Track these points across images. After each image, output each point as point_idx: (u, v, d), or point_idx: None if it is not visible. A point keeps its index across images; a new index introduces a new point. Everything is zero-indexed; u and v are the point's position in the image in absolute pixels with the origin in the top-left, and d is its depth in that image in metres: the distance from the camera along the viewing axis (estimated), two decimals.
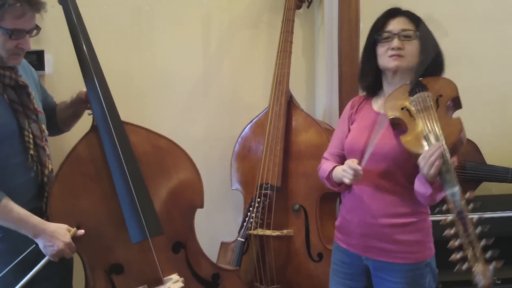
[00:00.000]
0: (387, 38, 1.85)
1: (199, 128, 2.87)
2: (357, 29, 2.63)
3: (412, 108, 1.76)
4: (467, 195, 1.55)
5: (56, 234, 1.86)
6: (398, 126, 1.79)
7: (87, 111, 2.11)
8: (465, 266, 1.48)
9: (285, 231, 2.59)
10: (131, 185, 1.97)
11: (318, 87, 2.99)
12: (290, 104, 2.68)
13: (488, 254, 1.47)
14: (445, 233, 1.55)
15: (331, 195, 2.60)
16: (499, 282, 2.85)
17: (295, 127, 2.66)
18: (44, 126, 2.00)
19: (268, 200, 2.59)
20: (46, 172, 1.95)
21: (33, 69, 2.12)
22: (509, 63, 3.05)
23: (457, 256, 1.50)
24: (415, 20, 1.87)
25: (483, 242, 1.50)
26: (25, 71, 2.03)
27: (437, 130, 1.68)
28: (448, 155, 1.62)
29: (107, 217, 1.99)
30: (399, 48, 1.83)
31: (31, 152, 1.90)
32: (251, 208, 2.57)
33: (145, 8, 2.76)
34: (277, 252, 2.58)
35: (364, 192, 1.89)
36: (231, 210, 2.91)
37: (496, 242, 2.90)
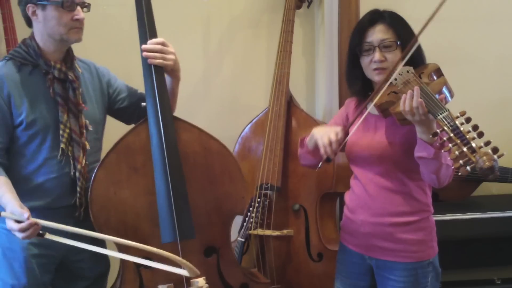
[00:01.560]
0: (368, 50, 1.83)
1: None
2: None
3: (397, 88, 1.76)
4: (458, 113, 1.54)
5: (17, 212, 1.76)
6: (388, 112, 1.77)
7: (142, 103, 2.08)
8: (470, 166, 1.45)
9: (285, 231, 2.59)
10: (170, 184, 1.93)
11: (318, 87, 2.99)
12: (290, 104, 2.68)
13: (489, 150, 1.45)
14: (443, 149, 1.54)
15: (331, 195, 2.60)
16: (499, 282, 2.85)
17: (295, 127, 2.66)
18: (87, 122, 2.00)
19: (268, 200, 2.59)
20: (79, 167, 1.95)
21: (103, 70, 2.14)
22: (509, 63, 3.05)
23: (459, 162, 1.46)
24: (394, 25, 1.83)
25: (483, 139, 1.48)
26: (90, 71, 2.07)
27: (421, 84, 1.69)
28: (430, 90, 1.64)
29: (145, 211, 1.98)
30: (381, 61, 1.81)
31: (62, 146, 1.91)
32: (251, 208, 2.57)
33: None
34: (277, 252, 2.58)
35: (366, 192, 1.89)
36: None
37: (496, 242, 2.91)
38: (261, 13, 2.91)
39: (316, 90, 3.00)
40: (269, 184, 2.57)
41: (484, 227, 2.69)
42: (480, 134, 1.47)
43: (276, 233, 2.58)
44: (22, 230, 1.70)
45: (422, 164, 1.74)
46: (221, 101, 2.91)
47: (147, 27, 2.02)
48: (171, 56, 2.00)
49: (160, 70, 2.01)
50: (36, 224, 1.71)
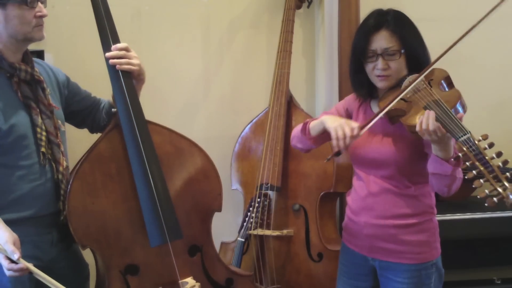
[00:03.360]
0: (371, 57, 1.81)
1: (199, 128, 2.87)
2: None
3: (406, 95, 1.74)
4: (480, 136, 1.52)
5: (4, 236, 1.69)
6: (397, 118, 1.76)
7: (112, 109, 2.05)
8: (497, 198, 1.43)
9: (285, 231, 2.59)
10: (153, 187, 1.91)
11: (318, 87, 2.99)
12: (290, 104, 2.68)
13: None
14: (467, 176, 1.50)
15: (331, 195, 2.60)
16: (499, 282, 2.85)
17: (295, 127, 2.65)
18: (60, 122, 1.95)
19: (268, 200, 2.59)
20: (61, 169, 1.90)
21: (57, 70, 2.08)
22: (509, 64, 3.05)
23: (485, 192, 1.44)
24: (397, 31, 1.79)
25: (508, 174, 1.45)
26: (45, 71, 1.99)
27: (436, 97, 1.67)
28: (448, 108, 1.61)
29: (125, 218, 1.95)
30: (384, 69, 1.79)
31: (43, 149, 1.84)
32: (251, 208, 2.57)
33: (145, 8, 2.76)
34: (277, 252, 2.58)
35: (369, 194, 1.88)
36: (231, 210, 2.90)
37: (496, 242, 2.90)
38: (261, 13, 2.90)
39: (316, 90, 3.00)
40: (269, 184, 2.57)
41: (484, 227, 2.69)
42: (505, 162, 1.45)
43: (276, 233, 2.58)
44: (12, 270, 1.62)
45: (435, 179, 1.72)
46: (221, 101, 2.90)
47: (109, 32, 1.97)
48: (136, 61, 1.97)
49: (127, 74, 1.97)
50: (26, 268, 1.63)
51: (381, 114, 1.74)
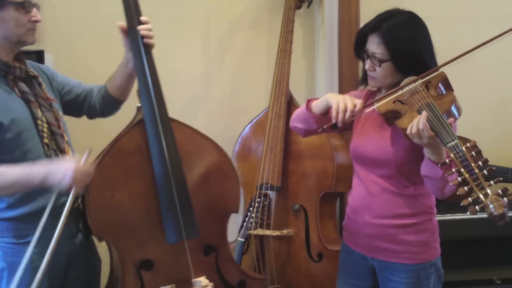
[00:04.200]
0: (365, 54, 1.83)
1: (199, 128, 2.83)
2: (357, 29, 2.62)
3: (403, 97, 1.75)
4: (468, 144, 1.51)
5: (63, 162, 1.80)
6: (393, 120, 1.76)
7: (137, 104, 2.05)
8: (478, 206, 1.42)
9: (285, 231, 2.59)
10: (173, 185, 1.92)
11: (318, 87, 2.99)
12: (290, 104, 2.68)
13: (498, 191, 1.41)
14: (451, 182, 1.51)
15: (331, 195, 2.60)
16: (499, 282, 2.85)
17: None
18: (60, 114, 1.96)
19: (268, 200, 2.59)
20: (68, 158, 1.90)
21: (44, 66, 2.09)
22: (509, 64, 3.05)
23: (468, 200, 1.44)
24: (386, 42, 1.76)
25: (492, 182, 1.45)
26: (34, 69, 2.00)
27: (430, 101, 1.67)
28: (439, 111, 1.61)
29: (143, 213, 1.96)
30: (370, 70, 1.82)
31: (46, 140, 1.86)
32: (251, 208, 2.57)
33: (145, 8, 2.74)
34: (277, 252, 2.58)
35: (369, 193, 1.88)
36: None
37: (496, 242, 2.90)
38: (261, 13, 2.90)
39: (316, 90, 3.00)
40: (269, 184, 2.57)
41: (484, 227, 2.68)
42: (490, 171, 1.45)
43: (276, 233, 2.58)
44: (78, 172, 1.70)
45: (427, 181, 1.73)
46: (221, 101, 2.90)
47: (132, 4, 1.98)
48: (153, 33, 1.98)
49: (150, 51, 1.98)
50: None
51: (383, 101, 1.75)
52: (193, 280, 1.98)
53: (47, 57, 2.57)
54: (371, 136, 1.87)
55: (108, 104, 2.13)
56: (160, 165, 1.94)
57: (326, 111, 1.80)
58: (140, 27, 1.97)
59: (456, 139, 1.54)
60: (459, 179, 1.47)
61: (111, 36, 2.69)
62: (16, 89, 1.85)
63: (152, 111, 1.96)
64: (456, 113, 1.71)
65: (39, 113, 1.86)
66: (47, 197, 1.84)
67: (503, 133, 2.98)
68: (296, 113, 1.97)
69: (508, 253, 2.81)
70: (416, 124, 1.60)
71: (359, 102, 1.71)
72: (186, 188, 1.98)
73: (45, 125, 1.87)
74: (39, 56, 2.54)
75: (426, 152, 1.67)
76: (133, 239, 1.95)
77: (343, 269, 2.03)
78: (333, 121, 1.71)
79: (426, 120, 1.60)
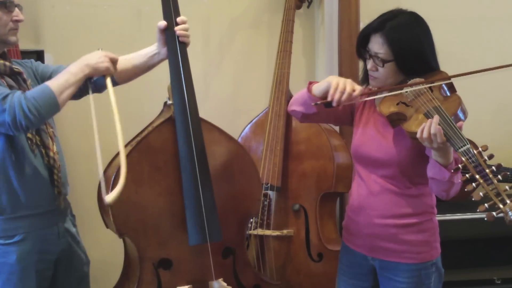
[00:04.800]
0: (367, 53, 1.82)
1: None
2: (357, 29, 2.63)
3: (408, 99, 1.74)
4: (480, 148, 1.50)
5: (94, 53, 1.86)
6: (397, 122, 1.76)
7: (167, 101, 2.05)
8: (496, 213, 1.42)
9: (285, 231, 2.59)
10: (200, 186, 1.91)
11: None
12: None
13: None
14: (466, 188, 1.49)
15: (331, 195, 2.60)
16: (499, 282, 2.85)
17: (295, 127, 2.66)
18: None
19: (268, 200, 2.59)
20: (51, 154, 1.89)
21: (25, 61, 2.06)
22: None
23: (485, 206, 1.44)
24: (390, 43, 1.75)
25: (507, 186, 1.44)
26: (18, 64, 1.98)
27: (436, 104, 1.66)
28: (448, 116, 1.59)
29: (167, 211, 1.96)
30: (372, 70, 1.81)
31: (29, 135, 1.84)
32: None
33: (146, 9, 2.76)
34: (277, 252, 2.58)
35: (369, 193, 1.88)
36: None
37: (496, 242, 2.90)
38: (261, 13, 2.91)
39: None
40: (269, 184, 2.57)
41: (484, 227, 2.68)
42: (505, 176, 1.45)
43: (276, 233, 2.58)
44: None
45: (433, 183, 1.72)
46: (221, 101, 2.91)
47: (171, 4, 1.98)
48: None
49: (184, 50, 2.00)
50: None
51: (384, 94, 1.75)
52: (210, 282, 1.98)
53: (47, 57, 2.57)
54: (373, 137, 1.87)
55: (103, 87, 2.09)
56: (187, 165, 1.92)
57: (327, 94, 1.77)
58: (178, 27, 1.99)
59: (467, 144, 1.53)
60: (473, 184, 1.46)
61: (112, 36, 2.70)
62: (4, 81, 1.83)
63: (184, 109, 1.95)
64: (462, 116, 1.70)
65: None
66: (39, 202, 1.84)
67: (503, 134, 2.98)
68: (296, 96, 1.94)
69: (508, 253, 2.81)
70: (428, 128, 1.58)
71: (358, 89, 1.71)
72: (212, 190, 1.96)
73: None
74: (39, 56, 2.53)
75: (434, 154, 1.66)
76: (154, 237, 1.95)
77: (343, 269, 2.03)
78: (329, 99, 1.70)
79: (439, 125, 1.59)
